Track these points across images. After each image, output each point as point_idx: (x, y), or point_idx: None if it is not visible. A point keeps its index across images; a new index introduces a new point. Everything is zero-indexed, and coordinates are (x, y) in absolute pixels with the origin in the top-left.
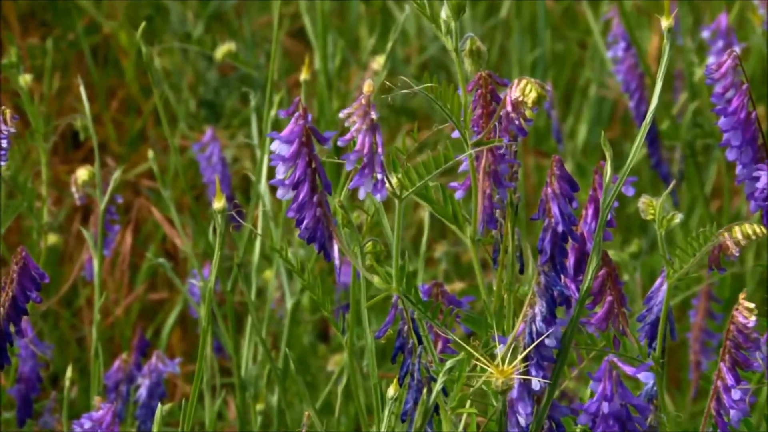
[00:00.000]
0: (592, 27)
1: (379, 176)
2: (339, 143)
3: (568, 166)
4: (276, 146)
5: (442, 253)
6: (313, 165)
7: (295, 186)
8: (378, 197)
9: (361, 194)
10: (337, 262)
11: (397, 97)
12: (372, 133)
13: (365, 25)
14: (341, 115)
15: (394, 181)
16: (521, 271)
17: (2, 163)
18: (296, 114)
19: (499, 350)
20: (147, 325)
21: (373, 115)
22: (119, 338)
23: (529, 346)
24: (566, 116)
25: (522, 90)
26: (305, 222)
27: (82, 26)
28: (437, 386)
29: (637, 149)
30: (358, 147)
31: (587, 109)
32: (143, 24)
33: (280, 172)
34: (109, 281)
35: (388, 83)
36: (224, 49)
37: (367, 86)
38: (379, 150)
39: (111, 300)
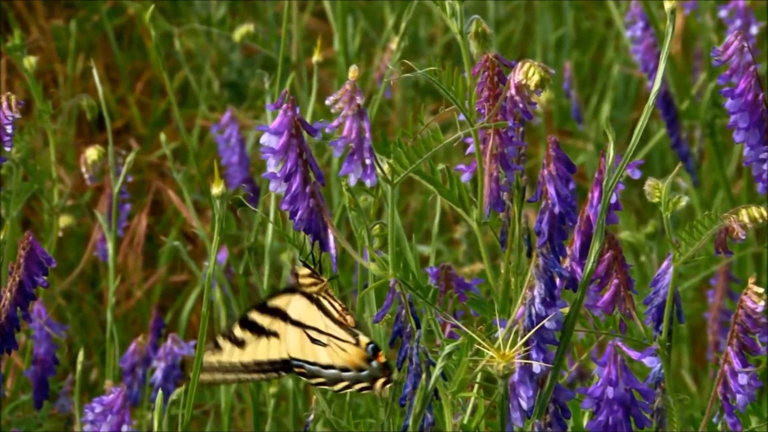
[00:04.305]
0: (611, 9)
1: (368, 162)
2: (327, 130)
3: (590, 147)
4: (265, 138)
5: (462, 234)
6: (304, 156)
7: (287, 178)
8: (368, 183)
9: (352, 181)
10: (333, 251)
11: (422, 77)
12: (359, 118)
13: (390, 5)
14: (327, 101)
15: (385, 166)
16: (529, 254)
17: (7, 148)
18: (284, 106)
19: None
20: (169, 307)
21: (359, 101)
22: (141, 321)
23: (528, 328)
24: (591, 96)
25: (525, 73)
26: (299, 213)
27: (107, 8)
28: (436, 371)
29: (639, 132)
30: (345, 133)
31: (610, 88)
32: (151, 8)
33: (272, 165)
34: (129, 263)
35: (388, 66)
36: (242, 30)
37: (352, 72)
38: (367, 135)
39: (132, 282)
